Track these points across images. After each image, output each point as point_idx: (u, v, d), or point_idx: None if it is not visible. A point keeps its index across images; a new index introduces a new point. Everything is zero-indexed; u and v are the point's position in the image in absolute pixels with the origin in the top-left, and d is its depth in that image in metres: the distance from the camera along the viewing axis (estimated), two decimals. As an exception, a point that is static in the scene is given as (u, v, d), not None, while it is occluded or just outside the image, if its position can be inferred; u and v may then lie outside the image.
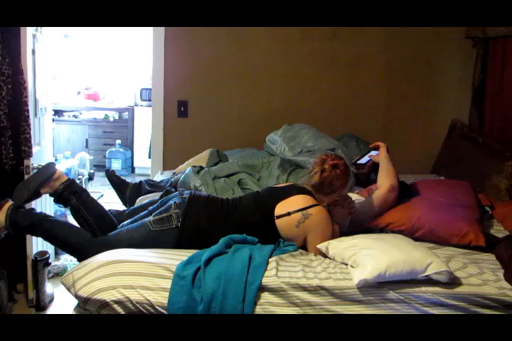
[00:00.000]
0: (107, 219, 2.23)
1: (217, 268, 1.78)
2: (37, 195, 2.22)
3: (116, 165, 5.78)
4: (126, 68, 6.04)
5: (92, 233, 2.13)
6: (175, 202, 2.07)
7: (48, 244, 3.13)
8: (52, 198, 2.33)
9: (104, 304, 1.73)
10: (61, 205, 2.33)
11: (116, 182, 2.82)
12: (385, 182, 2.28)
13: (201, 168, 2.77)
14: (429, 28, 3.33)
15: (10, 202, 2.11)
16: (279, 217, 2.02)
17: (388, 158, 2.38)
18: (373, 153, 2.49)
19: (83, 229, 2.16)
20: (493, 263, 2.00)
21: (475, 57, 3.39)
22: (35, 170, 2.50)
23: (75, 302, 1.83)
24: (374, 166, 2.51)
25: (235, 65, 3.52)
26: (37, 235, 2.21)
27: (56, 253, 3.38)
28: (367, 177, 2.77)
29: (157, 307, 1.73)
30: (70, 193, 2.22)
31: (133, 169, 6.02)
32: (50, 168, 2.25)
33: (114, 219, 2.26)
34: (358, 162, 2.57)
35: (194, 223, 2.02)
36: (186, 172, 2.69)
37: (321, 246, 1.99)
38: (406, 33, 3.43)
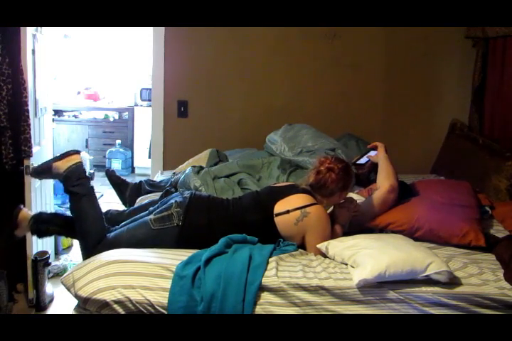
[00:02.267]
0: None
1: (217, 268, 1.78)
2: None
3: (116, 165, 5.78)
4: (126, 68, 6.04)
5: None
6: (176, 201, 2.07)
7: (48, 244, 3.14)
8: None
9: (104, 304, 1.73)
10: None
11: (116, 182, 2.82)
12: (384, 183, 2.28)
13: (201, 168, 2.77)
14: (429, 28, 3.33)
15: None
16: (278, 214, 2.02)
17: (387, 158, 2.37)
18: (372, 153, 2.48)
19: (103, 222, 2.11)
20: (493, 263, 2.00)
21: (475, 57, 3.39)
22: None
23: (75, 302, 1.83)
24: (373, 166, 2.51)
25: (235, 64, 3.52)
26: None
27: (56, 253, 3.38)
28: (367, 177, 2.77)
29: (157, 307, 1.73)
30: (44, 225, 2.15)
31: (133, 169, 6.01)
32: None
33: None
34: (357, 162, 2.56)
35: (195, 222, 2.02)
36: (186, 172, 2.69)
37: (321, 246, 1.99)
38: (406, 33, 3.43)
